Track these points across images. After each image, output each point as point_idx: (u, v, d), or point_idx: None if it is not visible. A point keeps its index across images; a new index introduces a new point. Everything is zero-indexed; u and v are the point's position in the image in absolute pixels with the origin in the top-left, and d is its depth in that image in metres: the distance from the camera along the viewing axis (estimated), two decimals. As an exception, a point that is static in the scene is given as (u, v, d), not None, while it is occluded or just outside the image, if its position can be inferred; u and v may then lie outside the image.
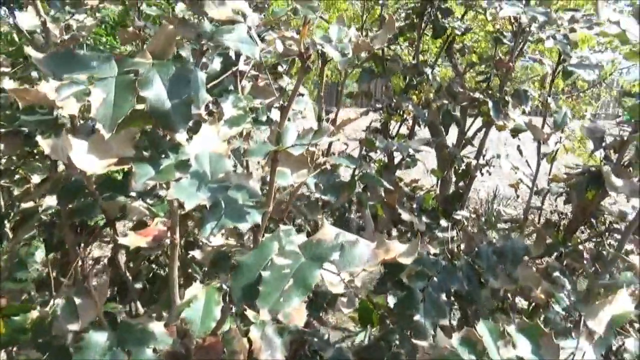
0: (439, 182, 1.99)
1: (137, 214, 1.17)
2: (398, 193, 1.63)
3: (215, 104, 1.21)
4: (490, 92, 1.71)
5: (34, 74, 1.26)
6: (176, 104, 0.72)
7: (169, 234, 0.97)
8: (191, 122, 0.73)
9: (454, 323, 1.46)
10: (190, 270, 1.35)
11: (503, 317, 1.43)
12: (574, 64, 1.34)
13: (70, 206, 1.21)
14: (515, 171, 1.66)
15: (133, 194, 1.16)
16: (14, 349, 1.00)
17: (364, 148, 1.88)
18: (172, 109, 0.71)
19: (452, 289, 1.35)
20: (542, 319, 1.25)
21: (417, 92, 1.89)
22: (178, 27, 0.88)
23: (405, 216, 1.46)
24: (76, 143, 0.70)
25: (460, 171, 1.78)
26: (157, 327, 0.83)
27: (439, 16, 1.80)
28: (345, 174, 1.64)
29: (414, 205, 1.88)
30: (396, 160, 1.76)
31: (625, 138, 1.32)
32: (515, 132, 1.51)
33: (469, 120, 1.91)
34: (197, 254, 1.15)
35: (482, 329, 0.76)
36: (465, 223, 1.77)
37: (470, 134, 1.88)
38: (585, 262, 1.41)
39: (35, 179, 1.31)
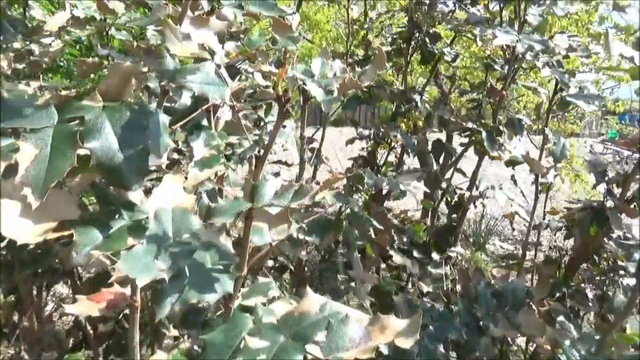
0: (430, 213, 1.90)
1: (97, 265, 1.04)
2: (388, 232, 1.52)
3: (185, 142, 1.09)
4: (482, 120, 1.63)
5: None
6: (130, 156, 0.60)
7: (130, 296, 0.84)
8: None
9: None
10: (158, 324, 1.21)
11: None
12: (573, 95, 1.26)
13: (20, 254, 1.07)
14: (511, 204, 1.57)
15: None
16: None
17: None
18: (124, 162, 0.60)
19: (449, 337, 1.24)
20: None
21: (405, 119, 1.80)
22: (144, 58, 0.77)
23: (397, 259, 1.35)
24: (5, 204, 0.58)
25: (452, 203, 1.68)
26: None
27: (427, 41, 1.72)
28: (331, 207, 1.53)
29: (404, 239, 1.78)
30: (385, 190, 1.66)
31: (629, 172, 1.24)
32: (511, 164, 1.42)
33: (458, 149, 1.82)
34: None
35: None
36: (460, 259, 1.67)
37: (466, 165, 1.79)
38: (590, 303, 1.31)
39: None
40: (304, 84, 0.81)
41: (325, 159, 1.81)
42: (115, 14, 1.42)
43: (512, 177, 1.74)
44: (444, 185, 1.81)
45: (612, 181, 1.25)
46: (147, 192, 0.71)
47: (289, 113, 0.63)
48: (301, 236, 1.27)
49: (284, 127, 1.48)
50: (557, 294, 1.36)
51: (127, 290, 0.77)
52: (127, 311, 1.23)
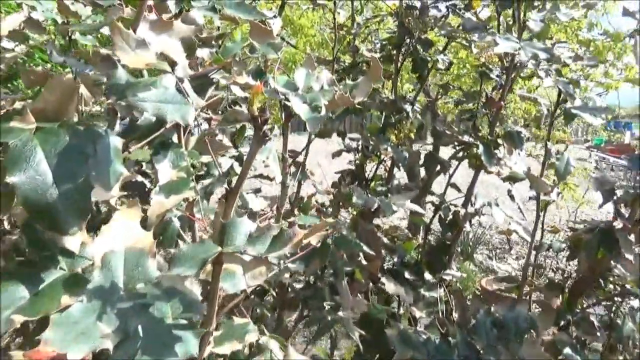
0: (423, 230, 1.80)
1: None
2: (378, 254, 1.42)
3: (149, 163, 0.98)
4: (478, 132, 1.54)
5: None
6: (67, 192, 0.49)
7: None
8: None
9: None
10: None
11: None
12: (579, 107, 1.17)
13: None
14: (510, 221, 1.48)
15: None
16: None
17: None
18: (59, 199, 0.48)
19: (447, 373, 1.14)
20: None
21: (396, 130, 1.71)
22: (100, 67, 0.66)
23: (390, 287, 1.25)
24: None
25: (447, 221, 1.58)
26: None
27: (419, 48, 1.63)
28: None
29: (395, 259, 1.68)
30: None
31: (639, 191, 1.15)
32: (511, 180, 1.33)
33: (453, 163, 1.72)
34: None
35: None
36: (457, 282, 1.57)
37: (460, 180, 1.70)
38: (597, 333, 1.22)
39: None
40: (286, 98, 0.71)
41: (310, 174, 1.70)
42: (78, 17, 1.30)
43: (509, 192, 1.65)
44: (436, 200, 1.71)
45: (621, 201, 1.17)
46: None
47: (267, 137, 0.52)
48: (282, 263, 1.16)
49: (265, 142, 1.37)
50: (562, 322, 1.27)
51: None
52: None
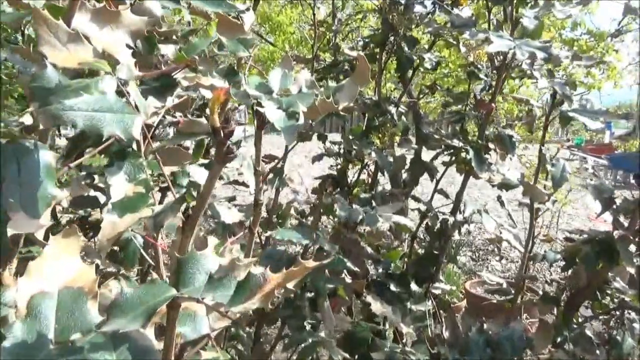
0: (409, 238, 1.72)
1: None
2: (363, 268, 1.33)
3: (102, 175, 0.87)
4: (466, 135, 1.47)
5: None
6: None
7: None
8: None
9: None
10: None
11: None
12: (576, 109, 1.11)
13: None
14: (500, 230, 1.41)
15: None
16: None
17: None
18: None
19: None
20: None
21: (379, 134, 1.63)
22: (37, 65, 0.55)
23: (376, 307, 1.16)
24: None
25: (434, 230, 1.51)
26: None
27: (404, 46, 1.55)
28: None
29: (379, 270, 1.60)
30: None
31: (640, 199, 1.09)
32: (504, 187, 1.26)
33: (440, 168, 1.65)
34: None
35: None
36: (447, 298, 1.50)
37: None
38: (597, 350, 1.16)
39: None
40: (259, 103, 0.61)
41: (288, 180, 1.61)
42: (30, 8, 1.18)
43: (499, 198, 1.59)
44: (422, 207, 1.64)
45: (621, 209, 1.11)
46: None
47: (231, 154, 0.42)
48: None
49: (238, 147, 1.27)
50: (558, 339, 1.20)
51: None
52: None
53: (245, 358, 1.21)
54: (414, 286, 1.56)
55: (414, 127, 1.74)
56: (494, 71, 1.42)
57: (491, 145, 1.35)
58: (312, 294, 1.30)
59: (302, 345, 1.15)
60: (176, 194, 1.08)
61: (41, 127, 0.46)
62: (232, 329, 1.43)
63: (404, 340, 1.58)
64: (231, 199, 1.67)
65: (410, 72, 1.66)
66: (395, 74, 1.94)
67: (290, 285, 0.40)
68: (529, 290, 1.52)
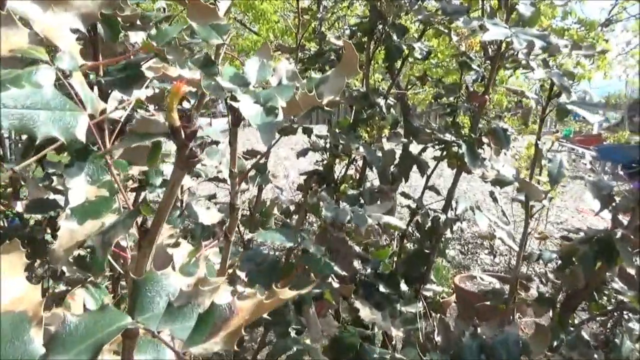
0: (398, 236, 1.68)
1: None
2: (350, 267, 1.28)
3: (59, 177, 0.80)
4: (458, 128, 1.42)
5: None
6: None
7: None
8: None
9: None
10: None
11: None
12: (575, 102, 1.06)
13: None
14: (494, 229, 1.37)
15: None
16: None
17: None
18: None
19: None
20: None
21: (368, 128, 1.57)
22: None
23: (365, 313, 1.11)
24: None
25: (425, 228, 1.46)
26: None
27: (393, 35, 1.49)
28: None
29: (368, 270, 1.55)
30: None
31: (641, 196, 1.05)
32: (498, 184, 1.21)
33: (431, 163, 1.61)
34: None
35: None
36: (439, 299, 1.46)
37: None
38: (594, 354, 1.13)
39: None
40: (233, 96, 0.55)
41: (272, 177, 1.55)
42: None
43: (492, 194, 1.55)
44: (412, 204, 1.59)
45: (621, 208, 1.07)
46: None
47: (194, 158, 0.36)
48: (240, 288, 1.01)
49: (216, 143, 1.21)
50: (554, 342, 1.16)
51: None
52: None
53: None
54: (403, 286, 1.52)
55: (403, 120, 1.69)
56: (488, 61, 1.37)
57: (485, 140, 1.31)
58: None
59: (287, 353, 1.09)
60: (149, 194, 1.02)
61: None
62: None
63: (393, 343, 1.54)
64: (211, 197, 1.60)
65: (399, 63, 1.60)
66: (383, 64, 1.89)
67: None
68: (522, 288, 1.49)
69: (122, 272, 0.91)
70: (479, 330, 1.15)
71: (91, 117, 0.38)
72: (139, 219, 0.44)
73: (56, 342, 0.35)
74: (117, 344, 0.45)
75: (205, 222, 1.10)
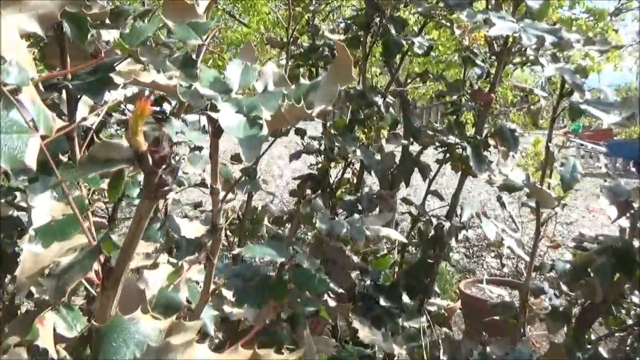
0: (399, 245, 1.65)
1: None
2: (348, 280, 1.25)
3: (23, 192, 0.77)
4: (462, 129, 1.39)
5: None
6: None
7: None
8: None
9: None
10: None
11: None
12: (589, 101, 1.03)
13: None
14: (502, 238, 1.34)
15: None
16: None
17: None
18: None
19: None
20: None
21: (365, 128, 1.54)
22: None
23: (364, 334, 1.08)
24: None
25: (429, 236, 1.43)
26: None
27: (391, 29, 1.46)
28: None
29: (367, 281, 1.52)
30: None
31: (661, 202, 1.03)
32: (507, 190, 1.18)
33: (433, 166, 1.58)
34: None
35: None
36: (444, 313, 1.43)
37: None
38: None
39: None
40: (212, 105, 0.52)
41: (262, 182, 1.51)
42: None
43: (499, 198, 1.52)
44: (414, 210, 1.56)
45: (639, 215, 1.04)
46: None
47: (164, 187, 0.33)
48: (227, 308, 0.97)
49: (199, 149, 1.17)
50: (569, 360, 1.13)
51: None
52: None
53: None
54: (405, 299, 1.49)
55: (402, 120, 1.67)
56: (493, 57, 1.34)
57: (491, 141, 1.28)
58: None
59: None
60: (126, 206, 0.98)
61: None
62: None
63: (395, 362, 1.51)
64: (197, 206, 1.57)
65: (398, 58, 1.57)
66: (381, 59, 1.86)
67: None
68: (533, 298, 1.46)
69: (95, 294, 0.87)
70: (488, 348, 1.12)
71: (44, 137, 0.35)
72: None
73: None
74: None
75: (188, 235, 1.06)
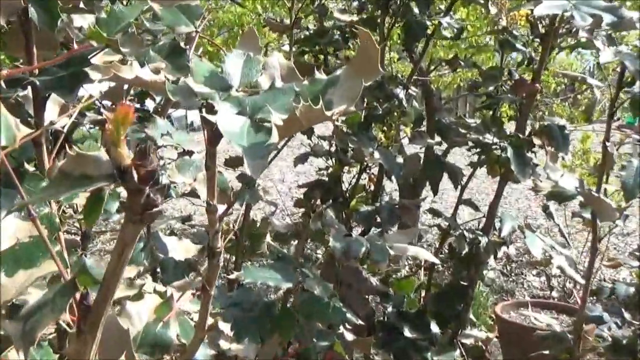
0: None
1: None
2: (365, 306, 1.24)
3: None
4: (500, 126, 1.38)
5: None
6: None
7: None
8: None
9: None
10: None
11: None
12: (657, 92, 1.02)
13: None
14: (549, 255, 1.32)
15: None
16: None
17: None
18: None
19: None
20: None
21: (384, 126, 1.54)
22: None
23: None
24: None
25: (462, 254, 1.42)
26: None
27: (414, 7, 1.45)
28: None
29: (389, 308, 1.51)
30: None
31: None
32: (556, 198, 1.16)
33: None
34: None
35: None
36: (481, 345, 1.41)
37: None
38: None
39: None
40: (209, 105, 0.51)
41: (263, 192, 1.51)
42: None
43: (546, 208, 1.51)
44: (443, 223, 1.55)
45: None
46: None
47: (153, 208, 0.31)
48: (224, 344, 0.96)
49: (189, 154, 1.16)
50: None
51: None
52: None
53: None
54: (435, 329, 1.49)
55: (427, 115, 1.66)
56: (537, 40, 1.33)
57: (536, 140, 1.27)
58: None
59: None
60: (102, 222, 0.98)
61: None
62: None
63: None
64: (186, 219, 1.56)
65: (426, 40, 1.57)
66: (400, 43, 1.85)
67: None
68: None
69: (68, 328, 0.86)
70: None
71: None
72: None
73: None
74: None
75: (177, 256, 1.05)
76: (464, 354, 1.45)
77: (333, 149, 1.64)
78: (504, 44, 1.45)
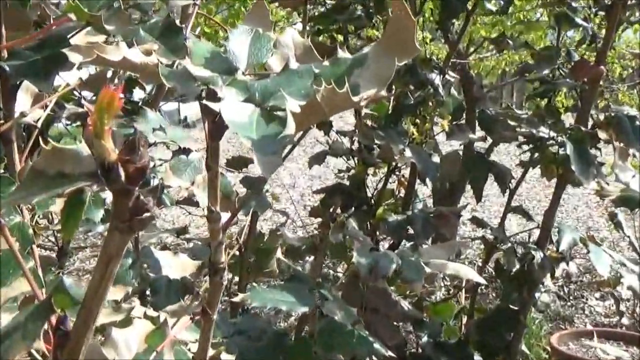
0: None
1: None
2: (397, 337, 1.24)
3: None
4: (558, 117, 1.39)
5: None
6: None
7: None
8: None
9: None
10: None
11: None
12: None
13: None
14: (618, 273, 1.32)
15: None
16: None
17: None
18: None
19: None
20: None
21: (417, 118, 1.55)
22: None
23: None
24: None
25: (512, 271, 1.43)
26: None
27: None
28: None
29: (423, 337, 1.52)
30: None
31: None
32: (627, 204, 1.16)
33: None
34: None
35: None
36: None
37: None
38: None
39: None
40: (211, 92, 0.52)
41: (272, 199, 1.52)
42: None
43: (613, 216, 1.50)
44: (487, 235, 1.55)
45: None
46: None
47: (143, 213, 0.31)
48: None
49: (186, 153, 1.17)
50: None
51: None
52: None
53: None
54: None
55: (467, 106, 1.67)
56: (601, 13, 1.33)
57: (601, 134, 1.27)
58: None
59: None
60: (82, 236, 0.99)
61: None
62: None
63: None
64: (181, 232, 1.58)
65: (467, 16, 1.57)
66: (434, 20, 1.86)
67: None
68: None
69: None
70: None
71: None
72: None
73: None
74: None
75: (172, 274, 1.06)
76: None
77: (355, 146, 1.66)
78: (560, 18, 1.46)
